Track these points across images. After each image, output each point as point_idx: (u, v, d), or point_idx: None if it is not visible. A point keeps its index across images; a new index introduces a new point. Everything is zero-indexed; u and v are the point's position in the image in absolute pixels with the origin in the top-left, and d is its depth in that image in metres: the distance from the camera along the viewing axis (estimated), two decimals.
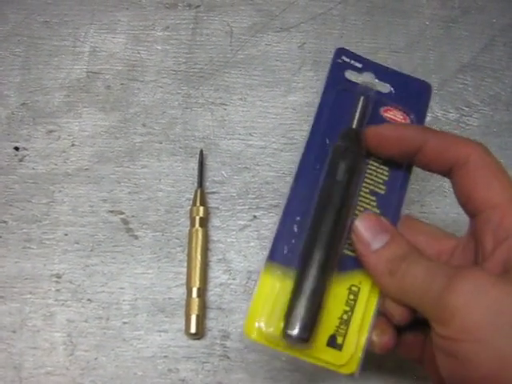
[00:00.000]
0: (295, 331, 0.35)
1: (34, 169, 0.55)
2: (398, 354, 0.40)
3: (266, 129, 0.57)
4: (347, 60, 0.43)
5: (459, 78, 0.60)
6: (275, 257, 0.38)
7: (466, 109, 0.59)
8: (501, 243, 0.35)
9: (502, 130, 0.58)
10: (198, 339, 0.49)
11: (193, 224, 0.51)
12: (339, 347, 0.37)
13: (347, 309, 0.37)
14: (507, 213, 0.35)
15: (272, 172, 0.55)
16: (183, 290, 0.50)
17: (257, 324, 0.37)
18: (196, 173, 0.54)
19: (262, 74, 0.59)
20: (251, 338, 0.37)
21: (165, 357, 0.49)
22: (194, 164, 0.55)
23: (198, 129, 0.57)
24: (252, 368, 0.48)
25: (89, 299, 0.50)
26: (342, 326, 0.37)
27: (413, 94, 0.42)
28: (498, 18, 0.63)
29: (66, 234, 0.52)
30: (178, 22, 0.61)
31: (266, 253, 0.38)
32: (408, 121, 0.42)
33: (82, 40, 0.60)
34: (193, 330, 0.48)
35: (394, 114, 0.42)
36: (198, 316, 0.48)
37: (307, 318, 0.35)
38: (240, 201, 0.54)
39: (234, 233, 0.53)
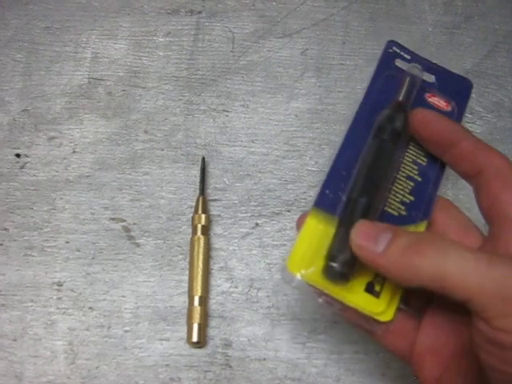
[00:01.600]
0: (336, 264, 0.35)
1: (35, 176, 0.54)
2: (384, 344, 0.39)
3: (268, 136, 0.57)
4: (397, 51, 0.45)
5: None
6: (321, 203, 0.39)
7: (469, 116, 0.58)
8: None
9: (505, 137, 0.58)
10: (200, 348, 0.49)
11: (195, 232, 0.51)
12: (377, 294, 0.37)
13: None
14: None
15: (274, 179, 0.55)
16: (185, 298, 0.50)
17: (299, 265, 0.37)
18: (198, 180, 0.54)
19: (264, 81, 0.59)
20: (294, 275, 0.36)
21: (166, 365, 0.48)
22: (195, 171, 0.54)
23: (199, 136, 0.56)
24: (254, 377, 0.48)
25: (90, 307, 0.50)
26: (379, 275, 0.37)
27: (455, 88, 0.43)
28: (501, 24, 0.63)
29: (67, 242, 0.52)
30: (180, 27, 0.61)
31: (313, 198, 0.39)
32: (450, 108, 0.42)
33: (84, 46, 0.60)
34: (195, 338, 0.48)
35: (437, 100, 0.43)
36: (199, 325, 0.48)
37: (348, 254, 0.35)
38: (242, 208, 0.54)
39: (236, 240, 0.52)
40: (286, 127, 0.57)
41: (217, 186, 0.54)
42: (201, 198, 0.53)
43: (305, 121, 0.57)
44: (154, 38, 0.61)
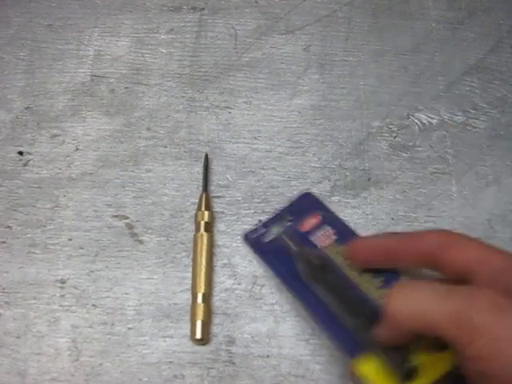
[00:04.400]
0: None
1: (38, 173, 0.54)
2: None
3: (271, 132, 0.56)
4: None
5: (466, 80, 0.60)
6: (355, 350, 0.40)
7: (473, 111, 0.58)
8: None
9: (509, 133, 0.57)
10: (204, 345, 0.49)
11: (198, 229, 0.51)
12: None
13: None
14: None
15: (277, 176, 0.55)
16: (188, 295, 0.50)
17: None
18: (201, 177, 0.54)
19: (267, 77, 0.59)
20: None
21: (170, 362, 0.48)
22: (198, 168, 0.54)
23: (202, 133, 0.56)
24: (257, 374, 0.48)
25: (93, 305, 0.50)
26: None
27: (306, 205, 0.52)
28: (505, 19, 0.63)
29: (70, 239, 0.52)
30: (183, 24, 0.61)
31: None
32: (320, 218, 0.50)
33: (86, 43, 0.60)
34: (198, 335, 0.48)
35: (308, 222, 0.50)
36: (203, 322, 0.48)
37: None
38: (245, 205, 0.54)
39: (240, 237, 0.52)
40: (289, 124, 0.57)
41: (220, 182, 0.54)
42: (204, 195, 0.52)
43: (308, 117, 0.57)
44: (157, 35, 0.61)
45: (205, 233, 0.51)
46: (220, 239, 0.52)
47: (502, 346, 0.32)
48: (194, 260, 0.50)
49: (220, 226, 0.53)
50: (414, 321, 0.35)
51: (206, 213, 0.52)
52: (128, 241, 0.52)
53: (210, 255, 0.51)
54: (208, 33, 0.61)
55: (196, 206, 0.53)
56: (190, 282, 0.50)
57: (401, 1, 0.63)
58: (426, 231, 0.41)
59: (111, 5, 0.62)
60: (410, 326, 0.36)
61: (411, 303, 0.36)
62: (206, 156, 0.54)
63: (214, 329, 0.49)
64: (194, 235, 0.51)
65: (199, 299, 0.49)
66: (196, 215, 0.52)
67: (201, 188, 0.53)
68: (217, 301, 0.50)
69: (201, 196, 0.53)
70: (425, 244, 0.40)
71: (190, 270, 0.50)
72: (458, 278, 0.38)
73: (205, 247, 0.50)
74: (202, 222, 0.51)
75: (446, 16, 0.63)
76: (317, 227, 0.49)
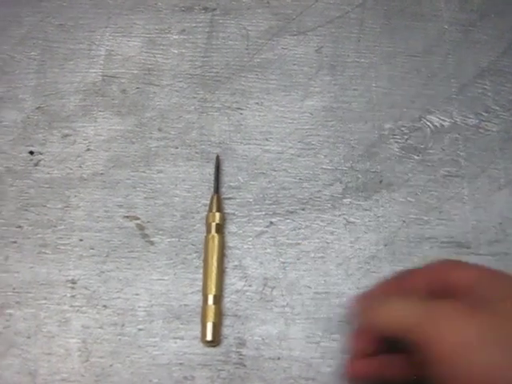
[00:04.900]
0: None
1: (49, 173, 0.54)
2: None
3: (283, 134, 0.56)
4: None
5: (478, 82, 0.59)
6: None
7: (486, 114, 0.58)
8: None
9: None
10: (214, 347, 0.49)
11: (209, 230, 0.51)
12: None
13: None
14: None
15: (289, 177, 0.55)
16: (199, 296, 0.50)
17: None
18: (212, 178, 0.54)
19: (279, 78, 0.59)
20: None
21: (180, 364, 0.48)
22: (210, 169, 0.54)
23: (214, 134, 0.56)
24: (268, 376, 0.48)
25: (104, 305, 0.50)
26: None
27: None
28: None
29: (81, 240, 0.52)
30: (194, 25, 0.61)
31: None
32: None
33: (98, 43, 0.60)
34: (209, 337, 0.48)
35: None
36: (214, 323, 0.48)
37: None
38: (256, 206, 0.53)
39: (251, 239, 0.52)
40: (300, 125, 0.57)
41: (231, 184, 0.54)
42: (215, 197, 0.52)
43: (319, 119, 0.57)
44: (168, 35, 0.61)
45: (216, 234, 0.51)
46: (231, 241, 0.52)
47: (462, 350, 0.36)
48: (205, 261, 0.50)
49: (231, 227, 0.52)
50: (390, 325, 0.40)
51: (218, 214, 0.51)
52: (139, 242, 0.52)
53: (221, 257, 0.51)
54: (220, 33, 0.61)
55: (207, 208, 0.52)
56: (201, 283, 0.50)
57: (413, 2, 0.63)
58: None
59: (123, 5, 0.62)
60: (386, 331, 0.41)
61: (389, 310, 0.41)
62: (218, 157, 0.54)
63: (225, 331, 0.49)
64: (205, 237, 0.51)
65: (210, 301, 0.49)
66: (207, 217, 0.52)
67: (212, 189, 0.53)
68: (227, 302, 0.50)
69: (212, 197, 0.52)
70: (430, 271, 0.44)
71: (201, 271, 0.50)
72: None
73: (216, 249, 0.50)
74: (213, 224, 0.51)
75: (459, 18, 0.62)
76: None
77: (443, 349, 0.36)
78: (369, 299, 0.45)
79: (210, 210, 0.52)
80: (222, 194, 0.54)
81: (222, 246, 0.51)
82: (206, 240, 0.51)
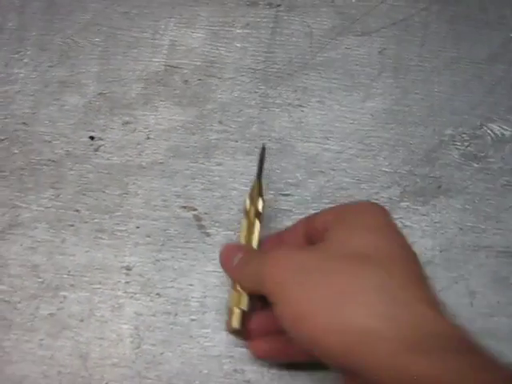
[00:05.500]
0: None
1: (108, 159, 0.55)
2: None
3: (343, 133, 0.56)
4: None
5: None
6: None
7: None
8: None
9: None
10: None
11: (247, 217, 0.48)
12: None
13: None
14: None
15: (347, 178, 0.54)
16: None
17: None
18: (270, 173, 0.54)
19: (341, 78, 0.59)
20: None
21: (231, 357, 0.48)
22: (268, 164, 0.54)
23: (274, 129, 0.56)
24: (317, 375, 0.48)
25: (158, 293, 0.50)
26: None
27: None
28: None
29: (137, 227, 0.52)
30: (258, 20, 0.61)
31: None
32: None
33: (162, 33, 0.60)
34: (235, 324, 0.45)
35: None
36: (243, 311, 0.46)
37: None
38: (314, 205, 0.53)
39: None
40: (360, 126, 0.57)
41: (289, 181, 0.54)
42: (257, 183, 0.48)
43: (380, 121, 0.57)
44: (232, 28, 0.61)
45: (256, 220, 0.47)
46: None
47: (280, 288, 0.38)
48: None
49: (287, 223, 0.52)
50: (249, 287, 0.43)
51: (260, 200, 0.48)
52: (195, 232, 0.52)
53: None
54: (283, 30, 0.61)
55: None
56: None
57: (479, 9, 0.62)
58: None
59: None
60: (251, 292, 0.44)
61: (244, 271, 0.43)
62: (263, 148, 0.50)
63: None
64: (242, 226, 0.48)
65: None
66: (247, 203, 0.48)
67: (269, 184, 0.53)
68: None
69: (254, 184, 0.48)
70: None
71: None
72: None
73: (255, 235, 0.47)
74: (253, 209, 0.47)
75: None
76: None
77: (270, 288, 0.38)
78: (233, 256, 0.45)
79: (251, 197, 0.48)
80: (279, 190, 0.53)
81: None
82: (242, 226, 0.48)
